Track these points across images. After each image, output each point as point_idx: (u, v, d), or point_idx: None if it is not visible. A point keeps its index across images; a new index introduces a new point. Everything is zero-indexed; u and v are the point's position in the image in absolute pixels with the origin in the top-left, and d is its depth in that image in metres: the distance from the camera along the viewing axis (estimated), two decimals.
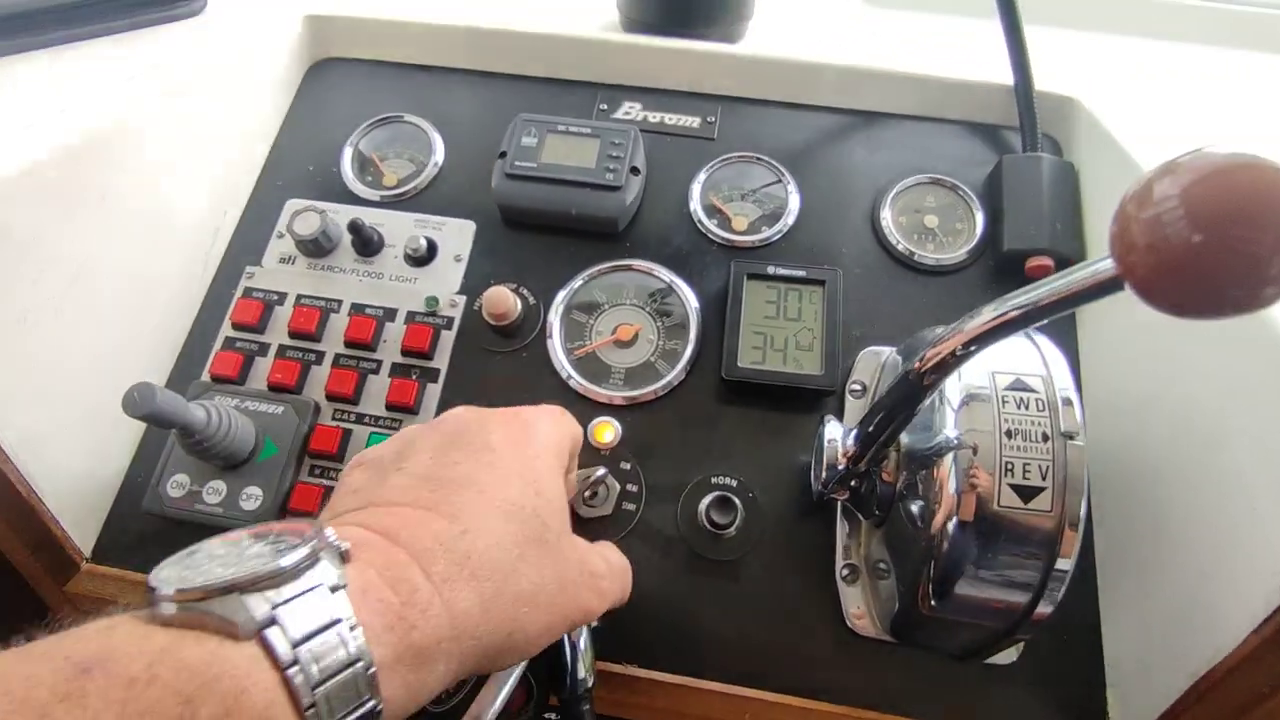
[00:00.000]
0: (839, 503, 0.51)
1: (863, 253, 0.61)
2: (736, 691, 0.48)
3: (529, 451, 0.37)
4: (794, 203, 0.62)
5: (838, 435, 0.47)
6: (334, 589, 0.26)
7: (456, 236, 0.62)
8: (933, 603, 0.42)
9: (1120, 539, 0.49)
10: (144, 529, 0.53)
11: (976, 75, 0.65)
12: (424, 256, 0.61)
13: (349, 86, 0.70)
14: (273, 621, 0.24)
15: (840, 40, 0.68)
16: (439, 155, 0.66)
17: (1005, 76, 0.62)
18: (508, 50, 0.69)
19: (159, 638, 0.23)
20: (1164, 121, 0.58)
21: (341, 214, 0.62)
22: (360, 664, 0.25)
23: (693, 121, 0.67)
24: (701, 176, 0.64)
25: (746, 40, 0.70)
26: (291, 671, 0.23)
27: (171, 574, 0.25)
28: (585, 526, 0.52)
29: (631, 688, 0.48)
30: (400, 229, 0.62)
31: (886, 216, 0.61)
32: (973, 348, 0.32)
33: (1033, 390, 0.40)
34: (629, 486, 0.53)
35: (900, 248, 0.60)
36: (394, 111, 0.68)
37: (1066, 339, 0.57)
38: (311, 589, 0.25)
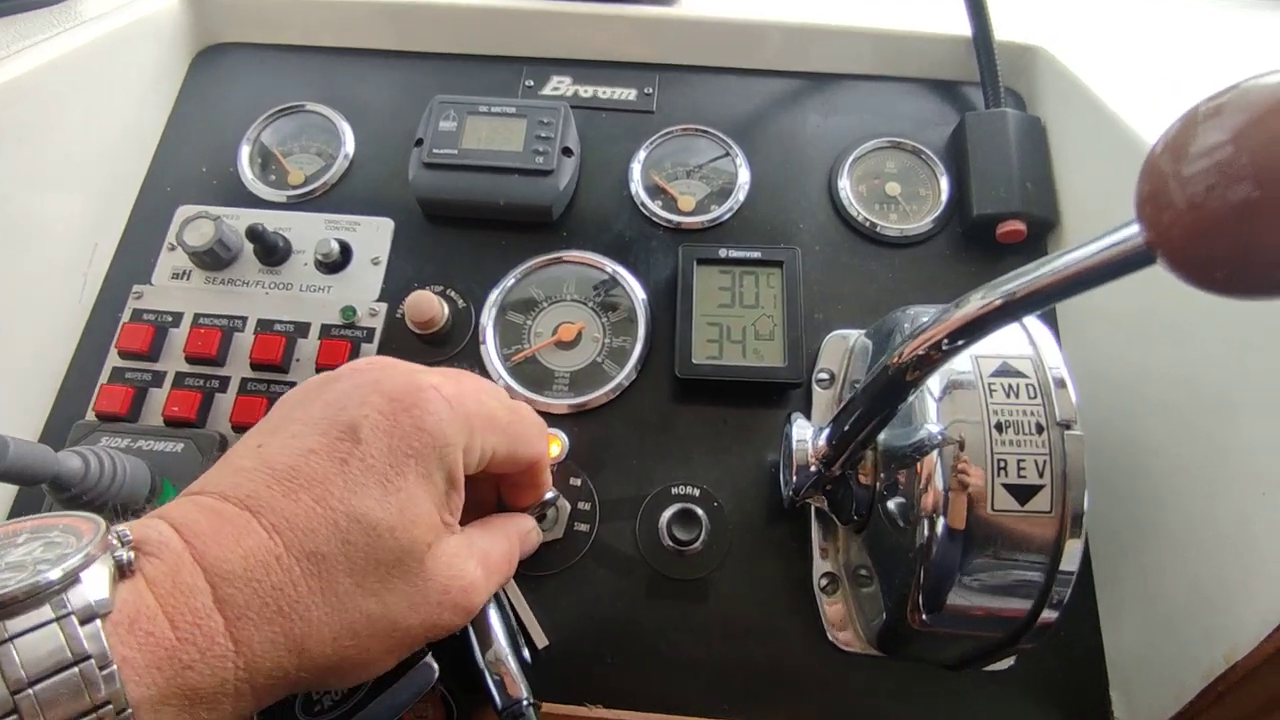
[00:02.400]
0: (813, 506, 0.47)
1: (821, 227, 0.56)
2: None
3: (404, 446, 0.30)
4: (744, 177, 0.57)
5: (807, 435, 0.42)
6: (88, 619, 0.22)
7: (373, 237, 0.56)
8: (923, 616, 0.37)
9: (1116, 532, 0.45)
10: None
11: (931, 28, 0.60)
12: (337, 261, 0.54)
13: (242, 74, 0.62)
14: None
15: None
16: (349, 147, 0.59)
17: (962, 28, 0.57)
18: (420, 26, 0.62)
19: None
20: (1132, 68, 0.54)
21: (242, 219, 0.56)
22: (109, 708, 0.22)
23: (628, 94, 0.61)
24: (641, 154, 0.58)
25: (682, 2, 0.64)
26: None
27: None
28: (534, 554, 0.46)
29: None
30: (309, 232, 0.56)
31: (845, 186, 0.56)
32: (960, 341, 0.27)
33: (1022, 375, 0.35)
34: (580, 505, 0.47)
35: (862, 219, 0.55)
36: (295, 100, 0.61)
37: (1045, 311, 0.53)
38: (58, 618, 0.21)
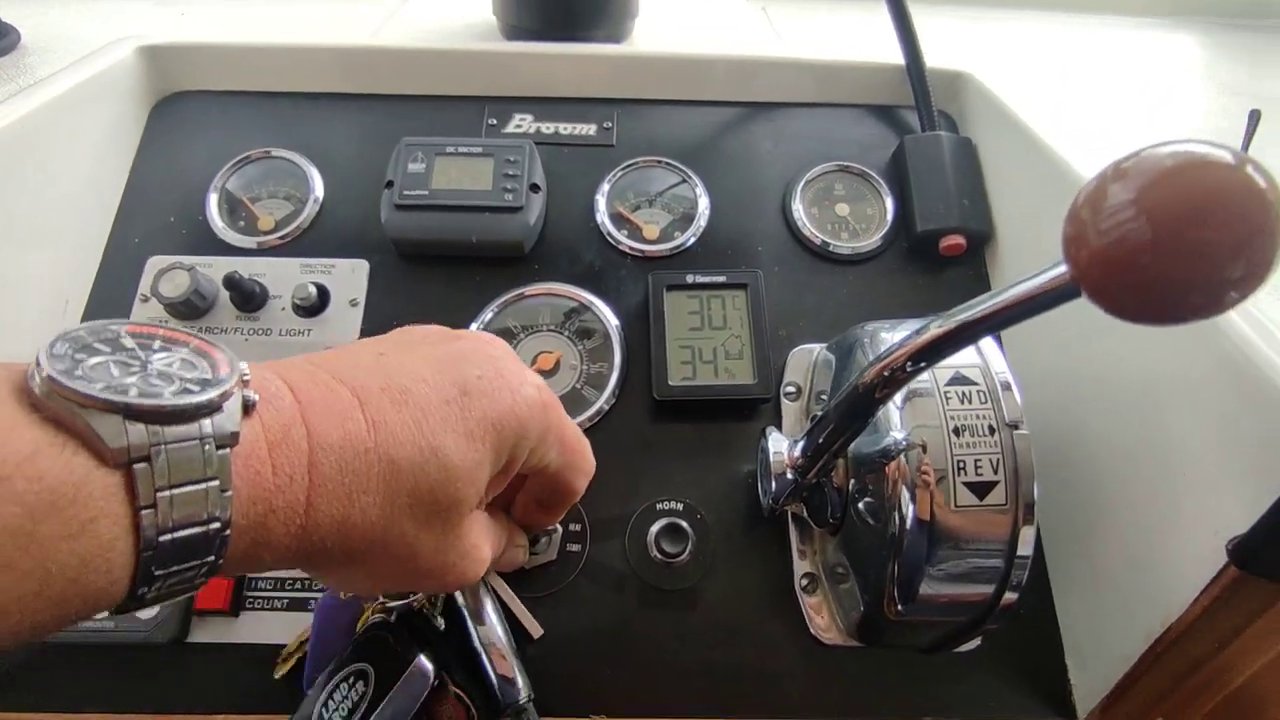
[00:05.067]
0: (789, 512, 0.50)
1: (779, 249, 0.59)
2: None
3: (496, 419, 0.32)
4: (704, 204, 0.60)
5: (783, 447, 0.46)
6: (221, 446, 0.25)
7: (349, 278, 0.57)
8: (898, 607, 0.41)
9: (1061, 513, 0.49)
10: (17, 659, 0.46)
11: (868, 57, 0.64)
12: (315, 305, 0.56)
13: (205, 122, 0.63)
14: (146, 459, 0.23)
15: (729, 31, 0.66)
16: (318, 191, 0.60)
17: (896, 57, 0.62)
18: (381, 69, 0.64)
19: (28, 437, 0.21)
20: (1053, 90, 0.59)
21: (215, 267, 0.56)
22: (216, 524, 0.24)
23: (589, 129, 0.64)
24: (605, 186, 0.61)
25: (634, 39, 0.67)
26: (145, 513, 0.23)
27: (64, 351, 0.23)
28: (530, 576, 0.48)
29: None
30: (285, 277, 0.57)
31: (799, 209, 0.60)
32: (921, 363, 0.31)
33: (972, 382, 0.39)
34: (572, 526, 0.50)
35: (816, 240, 0.59)
36: (261, 147, 0.61)
37: None
38: (201, 439, 0.24)
